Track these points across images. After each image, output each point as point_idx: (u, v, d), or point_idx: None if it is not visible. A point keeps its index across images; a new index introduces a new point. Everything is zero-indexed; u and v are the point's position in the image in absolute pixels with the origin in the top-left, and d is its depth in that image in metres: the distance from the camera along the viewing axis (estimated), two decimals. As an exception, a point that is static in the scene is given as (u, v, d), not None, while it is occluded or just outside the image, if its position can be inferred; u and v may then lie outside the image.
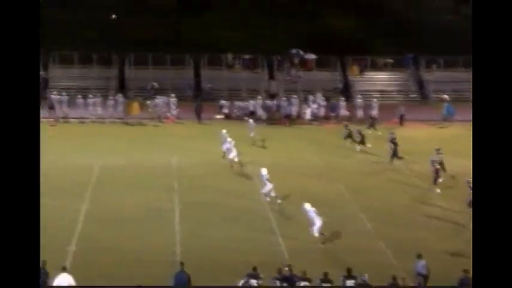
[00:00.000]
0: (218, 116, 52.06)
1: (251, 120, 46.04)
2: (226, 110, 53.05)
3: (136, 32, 64.87)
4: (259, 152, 42.09)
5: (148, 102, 52.59)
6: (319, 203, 30.05)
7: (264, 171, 33.29)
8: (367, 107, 52.09)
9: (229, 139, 39.04)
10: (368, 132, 45.86)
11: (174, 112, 52.34)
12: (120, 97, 53.03)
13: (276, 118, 52.23)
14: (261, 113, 52.25)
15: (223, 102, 53.81)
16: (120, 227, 29.85)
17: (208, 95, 57.65)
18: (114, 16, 65.92)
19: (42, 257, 22.23)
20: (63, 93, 53.04)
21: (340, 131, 44.84)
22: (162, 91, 55.81)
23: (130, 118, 51.55)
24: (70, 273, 22.33)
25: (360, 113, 52.23)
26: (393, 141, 40.44)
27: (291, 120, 51.78)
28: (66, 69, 61.07)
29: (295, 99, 53.40)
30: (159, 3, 68.90)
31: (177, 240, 28.43)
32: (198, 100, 54.74)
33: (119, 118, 51.68)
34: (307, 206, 29.02)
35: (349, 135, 43.66)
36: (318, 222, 28.49)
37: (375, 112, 50.82)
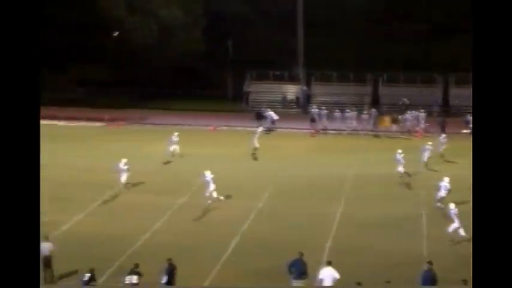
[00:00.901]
0: (464, 131, 50.56)
1: (442, 135, 44.11)
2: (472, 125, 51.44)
3: (389, 54, 64.88)
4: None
5: (399, 116, 52.52)
6: None
7: (446, 179, 32.03)
8: None
9: (399, 151, 37.61)
10: None
11: (423, 126, 51.69)
12: (373, 112, 53.45)
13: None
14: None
15: (469, 117, 52.16)
16: (372, 230, 29.87)
17: (456, 111, 56.29)
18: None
19: (302, 250, 23.02)
20: (323, 108, 54.34)
21: None
22: (412, 107, 55.37)
23: (382, 131, 51.67)
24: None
25: None
26: None
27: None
28: (325, 87, 62.63)
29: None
30: (411, 28, 68.36)
31: (424, 243, 27.94)
32: (442, 115, 53.75)
33: (371, 131, 52.05)
34: (452, 205, 28.16)
35: None
36: (455, 223, 27.54)
37: None
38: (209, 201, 32.28)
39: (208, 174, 32.51)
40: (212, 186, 32.27)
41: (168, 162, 41.15)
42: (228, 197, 33.44)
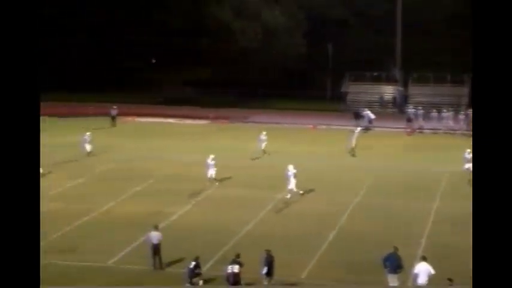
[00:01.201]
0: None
1: None
2: None
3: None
4: None
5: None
6: None
7: None
8: None
9: (468, 150, 36.44)
10: None
11: (520, 126, 50.06)
12: (470, 112, 52.17)
13: None
14: None
15: None
16: (466, 227, 28.99)
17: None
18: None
19: (397, 245, 22.63)
20: (419, 108, 53.50)
21: None
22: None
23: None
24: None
25: None
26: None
27: None
28: (422, 87, 61.60)
29: None
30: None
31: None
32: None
33: (467, 131, 50.81)
34: None
35: None
36: None
37: None
38: (289, 195, 32.31)
39: (291, 169, 32.48)
40: (293, 180, 32.21)
41: (256, 158, 41.55)
42: (316, 191, 33.48)
